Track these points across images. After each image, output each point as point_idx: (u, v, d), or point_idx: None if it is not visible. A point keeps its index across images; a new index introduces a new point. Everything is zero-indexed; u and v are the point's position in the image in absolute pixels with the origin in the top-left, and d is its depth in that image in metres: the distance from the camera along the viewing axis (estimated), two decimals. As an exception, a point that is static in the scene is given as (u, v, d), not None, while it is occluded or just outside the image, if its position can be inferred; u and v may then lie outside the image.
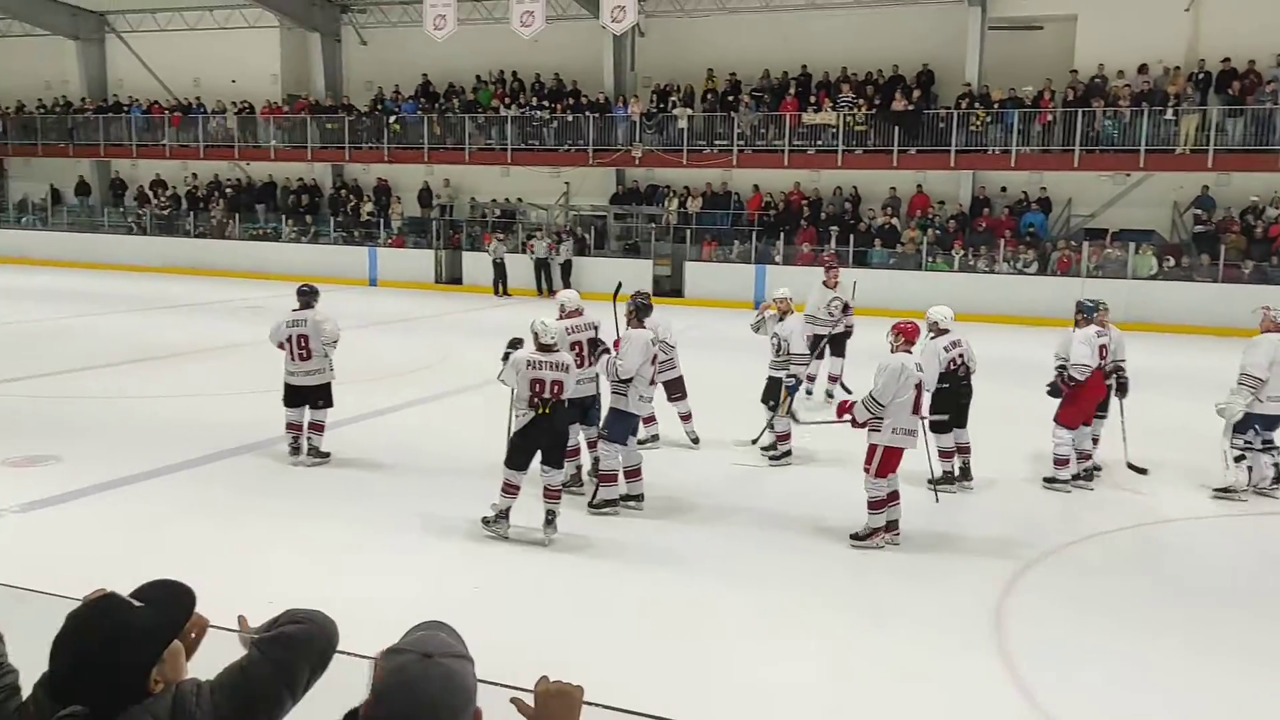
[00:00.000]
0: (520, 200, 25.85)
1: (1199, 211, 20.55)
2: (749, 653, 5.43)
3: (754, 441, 9.41)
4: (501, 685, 2.16)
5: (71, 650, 1.87)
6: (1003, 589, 6.31)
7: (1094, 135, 20.63)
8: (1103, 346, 8.51)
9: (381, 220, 26.37)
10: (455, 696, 1.75)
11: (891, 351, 7.17)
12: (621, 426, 7.61)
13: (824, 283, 11.68)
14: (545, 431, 6.92)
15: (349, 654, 2.18)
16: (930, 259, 21.31)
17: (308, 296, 8.92)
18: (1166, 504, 8.28)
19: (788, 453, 9.10)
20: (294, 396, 8.78)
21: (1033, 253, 20.61)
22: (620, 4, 22.04)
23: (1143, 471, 8.41)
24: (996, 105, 21.37)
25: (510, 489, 6.95)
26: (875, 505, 6.99)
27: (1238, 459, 8.27)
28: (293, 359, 8.72)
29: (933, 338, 8.36)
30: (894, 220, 22.24)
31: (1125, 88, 20.71)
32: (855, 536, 7.05)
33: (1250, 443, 8.21)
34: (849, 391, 10.51)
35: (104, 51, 30.92)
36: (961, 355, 8.46)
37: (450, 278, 24.70)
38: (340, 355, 9.08)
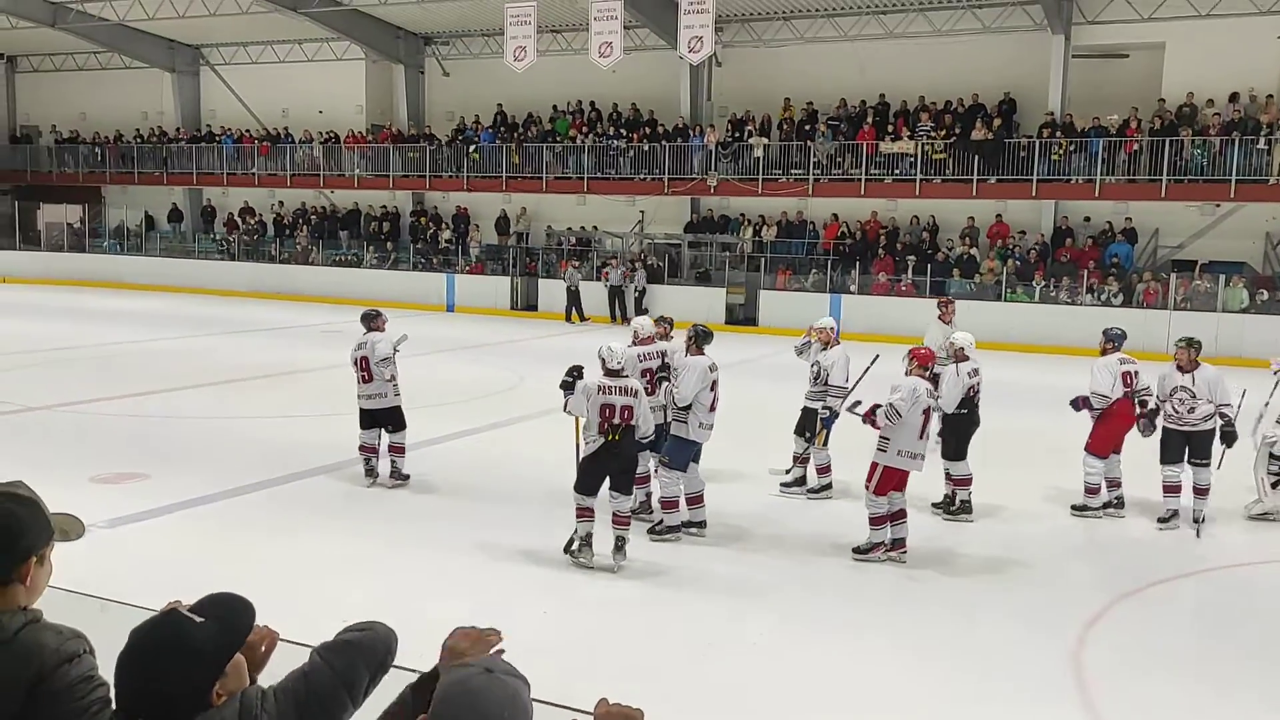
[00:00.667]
0: (595, 228, 26.10)
1: (1293, 243, 19.90)
2: (813, 682, 5.36)
3: (787, 472, 9.23)
4: (563, 707, 2.16)
5: (134, 667, 1.92)
6: (1080, 631, 6.13)
7: (1182, 165, 20.11)
8: (1126, 374, 8.46)
9: (460, 247, 26.83)
10: (514, 713, 1.76)
11: (906, 374, 7.35)
12: (683, 453, 7.62)
13: (940, 319, 11.12)
14: (615, 457, 6.93)
15: (413, 670, 2.20)
16: (1009, 290, 20.94)
17: (369, 320, 9.13)
18: (1255, 548, 8.00)
19: (828, 485, 8.95)
20: (365, 419, 8.99)
21: (1117, 284, 20.12)
22: (698, 35, 22.18)
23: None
24: (1081, 134, 20.98)
25: (585, 513, 6.97)
26: (876, 521, 7.25)
27: (1275, 484, 8.44)
28: (359, 382, 8.94)
29: (956, 364, 8.43)
30: (973, 250, 21.93)
31: (1215, 116, 20.19)
32: (857, 550, 7.28)
33: None
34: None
35: (198, 83, 32.10)
36: (979, 383, 8.57)
37: (526, 304, 24.98)
38: (417, 379, 9.24)
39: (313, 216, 29.54)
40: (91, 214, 32.70)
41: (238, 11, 26.53)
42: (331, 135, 28.84)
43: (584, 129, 26.13)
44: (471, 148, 26.73)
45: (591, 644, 5.83)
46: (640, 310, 21.40)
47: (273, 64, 30.25)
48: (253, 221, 30.33)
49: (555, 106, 26.99)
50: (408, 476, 8.99)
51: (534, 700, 1.81)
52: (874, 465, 7.22)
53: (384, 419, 8.96)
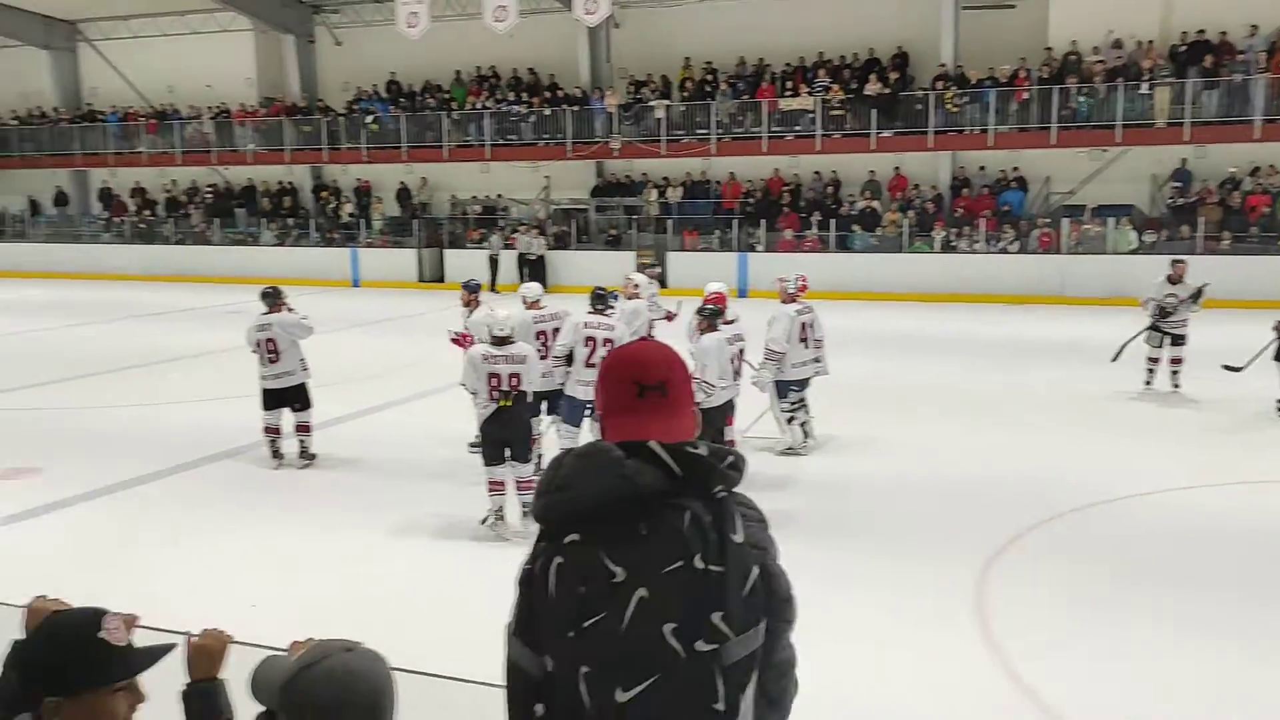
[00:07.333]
0: (500, 196, 25.82)
1: (1177, 184, 20.63)
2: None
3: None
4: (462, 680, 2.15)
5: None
6: (980, 571, 6.34)
7: (1070, 112, 20.66)
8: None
9: (363, 221, 26.31)
10: (388, 680, 1.82)
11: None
12: (575, 411, 8.03)
13: (1169, 279, 11.44)
14: (506, 425, 6.95)
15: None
16: (911, 241, 21.37)
17: (271, 299, 8.91)
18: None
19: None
20: (270, 399, 8.79)
21: (1013, 232, 20.66)
22: (593, -4, 21.98)
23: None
24: (973, 85, 21.39)
25: (495, 487, 6.97)
26: None
27: (789, 420, 9.03)
28: (264, 363, 8.73)
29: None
30: (874, 204, 22.28)
31: (1099, 64, 20.74)
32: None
33: (795, 404, 9.00)
34: None
35: (76, 60, 30.72)
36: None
37: (433, 276, 24.67)
38: (325, 356, 9.07)
39: (207, 195, 28.63)
40: (-30, 201, 31.20)
41: (114, -17, 25.43)
42: (222, 110, 27.93)
43: (483, 95, 25.74)
44: (369, 119, 26.14)
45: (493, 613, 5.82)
46: (540, 278, 21.29)
47: (155, 38, 29.04)
48: (144, 201, 29.28)
49: (457, 73, 26.53)
50: (315, 456, 8.85)
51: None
52: None
53: (290, 397, 8.79)
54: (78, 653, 1.79)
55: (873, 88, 22.02)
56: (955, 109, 21.36)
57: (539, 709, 1.75)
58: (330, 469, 8.77)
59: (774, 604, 1.81)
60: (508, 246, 23.66)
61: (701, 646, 1.69)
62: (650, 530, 1.72)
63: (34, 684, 1.80)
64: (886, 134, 21.88)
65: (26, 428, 10.46)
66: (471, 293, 9.33)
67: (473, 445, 9.03)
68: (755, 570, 1.77)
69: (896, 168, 22.70)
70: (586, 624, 1.71)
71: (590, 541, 1.73)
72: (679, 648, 1.69)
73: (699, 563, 1.71)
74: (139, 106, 29.34)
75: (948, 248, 21.15)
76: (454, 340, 8.72)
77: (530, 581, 1.79)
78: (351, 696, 1.73)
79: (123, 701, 1.84)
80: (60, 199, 30.39)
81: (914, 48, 22.60)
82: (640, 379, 1.87)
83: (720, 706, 1.71)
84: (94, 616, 1.84)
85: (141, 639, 1.92)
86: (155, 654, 1.88)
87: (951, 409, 10.87)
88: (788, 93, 22.91)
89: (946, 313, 18.59)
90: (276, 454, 8.81)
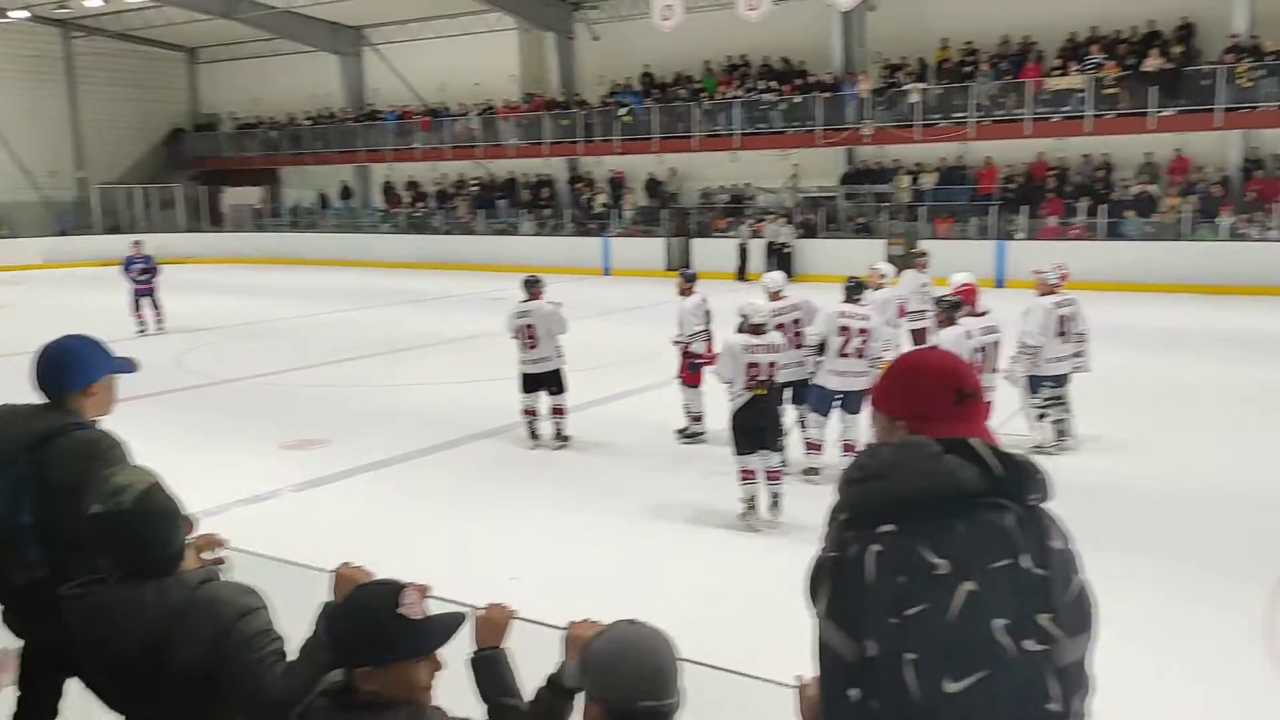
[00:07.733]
0: (748, 185, 25.87)
1: None
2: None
3: None
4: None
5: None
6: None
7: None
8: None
9: (614, 211, 27.08)
10: (668, 646, 1.97)
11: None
12: (824, 400, 8.08)
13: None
14: (760, 413, 6.97)
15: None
16: (1193, 228, 19.70)
17: (532, 286, 9.29)
18: None
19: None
20: (528, 383, 9.20)
21: (1316, 218, 18.67)
22: (848, -21, 21.57)
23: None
24: (1270, 57, 19.41)
25: (746, 476, 7.00)
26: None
27: (1040, 417, 8.57)
28: (523, 348, 9.15)
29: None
30: (1151, 188, 20.68)
31: None
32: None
33: (1049, 400, 8.53)
34: None
35: (360, 64, 33.35)
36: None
37: (680, 265, 24.99)
38: (577, 342, 9.40)
39: (473, 187, 30.36)
40: (270, 194, 34.55)
41: (395, -9, 27.37)
42: (487, 106, 29.49)
43: (733, 85, 25.85)
44: (623, 111, 26.83)
45: (744, 603, 5.85)
46: (784, 267, 21.14)
47: (429, 40, 31.10)
48: (417, 194, 31.44)
49: (706, 63, 26.78)
50: (569, 438, 9.21)
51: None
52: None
53: (547, 381, 9.19)
54: (380, 629, 1.97)
55: (1153, 63, 20.42)
56: (1249, 84, 19.47)
57: (854, 693, 1.74)
58: (582, 451, 9.10)
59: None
60: (755, 235, 23.73)
61: (1031, 646, 1.67)
62: (970, 526, 1.72)
63: (343, 652, 2.01)
64: (1167, 113, 20.24)
65: (317, 401, 11.49)
66: (688, 281, 9.54)
67: (682, 435, 9.22)
68: (1076, 579, 1.76)
69: (1177, 149, 20.98)
70: (908, 612, 1.70)
71: (908, 532, 1.73)
72: (1009, 644, 1.67)
73: (1025, 562, 1.70)
74: (414, 105, 31.46)
75: (1236, 235, 19.37)
76: (697, 360, 9.04)
77: (841, 568, 1.78)
78: (627, 661, 1.89)
79: (424, 669, 2.01)
80: (345, 193, 33.14)
81: (1201, 18, 20.79)
82: (960, 386, 1.94)
83: (1056, 708, 1.69)
84: (394, 593, 2.00)
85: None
86: (449, 628, 2.04)
87: (1232, 412, 9.99)
88: (1055, 71, 21.64)
89: (1231, 306, 17.08)
90: (534, 435, 9.23)
